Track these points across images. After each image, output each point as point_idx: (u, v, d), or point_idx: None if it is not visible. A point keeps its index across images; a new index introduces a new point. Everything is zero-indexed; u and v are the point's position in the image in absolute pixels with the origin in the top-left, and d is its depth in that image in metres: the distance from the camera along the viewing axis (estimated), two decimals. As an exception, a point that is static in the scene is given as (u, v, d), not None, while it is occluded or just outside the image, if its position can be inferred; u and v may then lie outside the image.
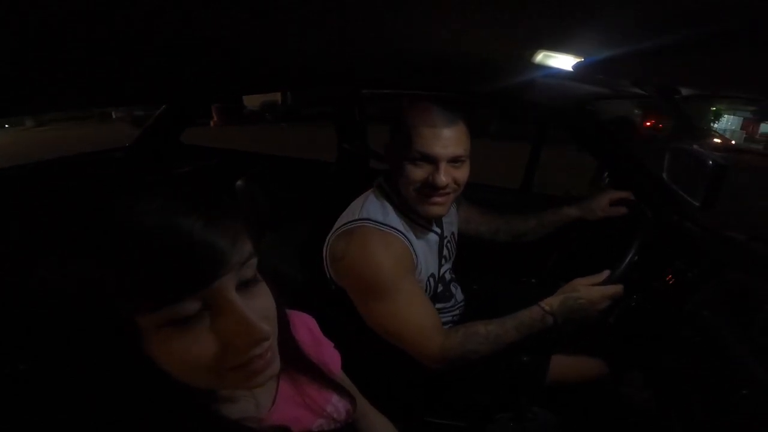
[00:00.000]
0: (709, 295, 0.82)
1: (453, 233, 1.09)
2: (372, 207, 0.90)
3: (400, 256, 0.87)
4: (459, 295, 1.15)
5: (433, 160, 0.83)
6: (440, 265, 1.02)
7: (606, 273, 0.89)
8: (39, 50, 0.50)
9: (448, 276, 1.09)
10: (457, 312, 1.13)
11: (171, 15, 0.45)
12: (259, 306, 0.37)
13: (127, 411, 0.33)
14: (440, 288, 1.04)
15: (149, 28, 0.50)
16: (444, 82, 1.34)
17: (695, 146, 0.90)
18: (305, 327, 0.58)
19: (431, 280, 0.98)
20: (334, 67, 1.02)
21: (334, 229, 0.92)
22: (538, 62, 0.71)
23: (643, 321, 0.96)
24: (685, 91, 0.90)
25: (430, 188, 0.85)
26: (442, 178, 0.83)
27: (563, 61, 0.69)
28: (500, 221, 1.22)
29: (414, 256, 0.90)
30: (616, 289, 0.86)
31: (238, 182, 1.10)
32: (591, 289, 0.86)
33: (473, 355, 0.84)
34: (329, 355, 0.60)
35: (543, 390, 1.01)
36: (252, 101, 11.48)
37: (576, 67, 0.70)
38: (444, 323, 1.06)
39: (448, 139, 0.82)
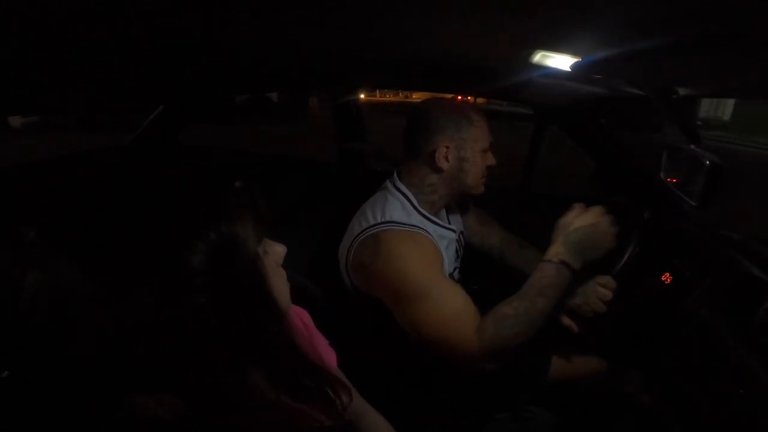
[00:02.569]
0: (707, 295, 0.82)
1: (462, 232, 1.10)
2: (393, 208, 0.90)
3: (431, 254, 0.87)
4: None
5: (488, 147, 0.95)
6: (453, 264, 1.03)
7: (581, 205, 0.87)
8: (36, 51, 0.50)
9: (456, 275, 1.09)
10: None
11: (169, 15, 0.45)
12: (282, 280, 0.44)
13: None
14: None
15: (147, 28, 0.50)
16: (443, 83, 1.34)
17: (692, 146, 0.90)
18: (299, 320, 0.59)
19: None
20: (333, 67, 1.02)
21: (354, 234, 0.91)
22: (535, 62, 0.72)
23: (642, 320, 0.96)
24: (682, 92, 0.91)
25: (487, 170, 0.96)
26: (494, 158, 0.96)
27: (561, 61, 0.70)
28: (515, 247, 1.18)
29: (440, 251, 0.90)
30: (599, 209, 0.85)
31: (236, 183, 1.10)
32: (582, 216, 0.84)
33: (513, 340, 0.81)
34: (324, 351, 0.60)
35: (543, 389, 1.01)
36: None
37: (574, 67, 0.70)
38: None
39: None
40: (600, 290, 0.88)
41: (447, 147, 0.90)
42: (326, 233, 0.99)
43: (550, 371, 1.01)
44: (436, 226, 0.95)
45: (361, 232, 0.89)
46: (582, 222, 0.83)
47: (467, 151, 0.91)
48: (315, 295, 0.96)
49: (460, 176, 0.93)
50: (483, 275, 1.36)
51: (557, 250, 0.82)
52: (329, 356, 0.60)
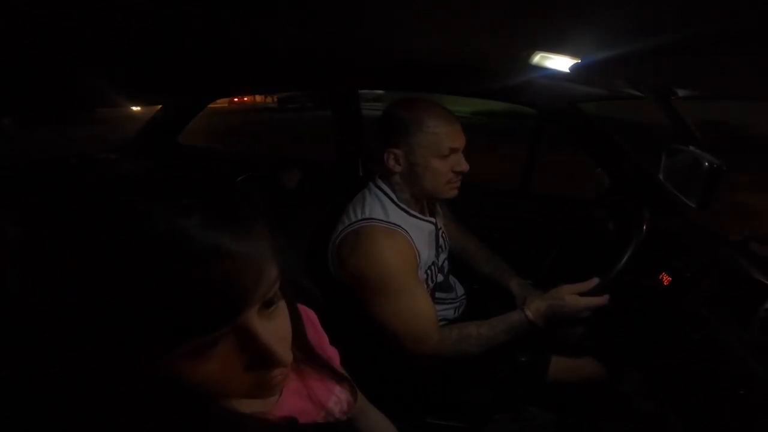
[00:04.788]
0: (706, 295, 0.82)
1: (442, 227, 1.14)
2: (373, 206, 0.95)
3: (405, 254, 0.92)
4: (459, 289, 1.18)
5: (456, 151, 0.95)
6: (438, 254, 1.06)
7: (595, 281, 0.91)
8: (39, 51, 0.50)
9: (446, 267, 1.13)
10: (459, 305, 1.15)
11: (171, 15, 0.45)
12: (278, 327, 0.35)
13: (140, 408, 0.31)
14: (441, 278, 1.08)
15: (148, 29, 0.50)
16: (442, 83, 1.34)
17: (691, 147, 0.90)
18: (308, 321, 0.59)
19: (433, 268, 1.02)
20: (333, 67, 1.02)
21: (338, 230, 0.96)
22: (535, 63, 0.72)
23: (641, 321, 0.97)
24: (681, 92, 0.91)
25: (455, 175, 0.96)
26: (466, 164, 0.96)
27: (560, 63, 0.70)
28: (470, 245, 1.26)
29: (416, 252, 0.95)
30: (601, 300, 0.90)
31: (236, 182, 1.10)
32: (577, 299, 0.90)
33: (464, 354, 0.92)
34: (330, 349, 0.61)
35: (543, 390, 1.01)
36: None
37: (573, 68, 0.71)
38: (446, 317, 1.10)
39: (461, 131, 0.95)
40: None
41: (395, 152, 0.93)
42: (324, 232, 0.99)
43: (549, 372, 1.01)
44: (415, 219, 0.99)
45: (343, 228, 0.94)
46: (571, 304, 0.89)
47: (416, 156, 0.92)
48: (314, 294, 0.96)
49: (415, 180, 0.95)
50: (474, 278, 1.36)
51: (537, 310, 0.91)
52: (334, 354, 0.61)
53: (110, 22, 0.44)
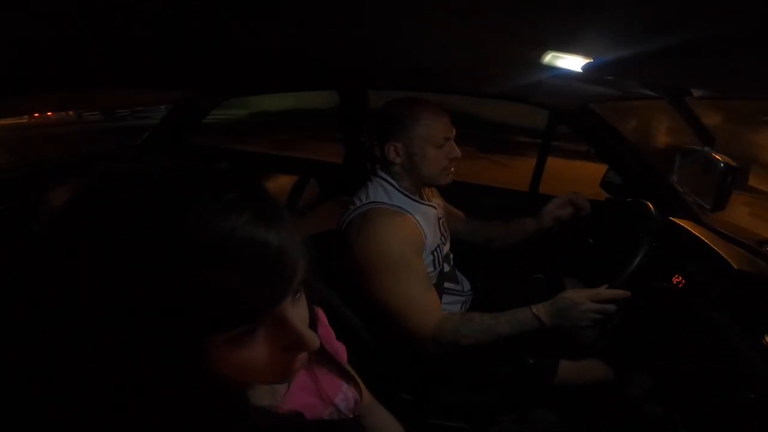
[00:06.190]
0: (718, 298, 0.81)
1: (443, 217, 1.17)
2: (378, 192, 1.02)
3: (410, 235, 0.96)
4: (466, 284, 1.20)
5: (449, 140, 1.03)
6: (442, 242, 1.09)
7: (603, 288, 0.90)
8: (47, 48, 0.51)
9: (452, 258, 1.17)
10: (465, 300, 1.16)
11: (171, 15, 0.45)
12: (303, 313, 0.37)
13: (168, 399, 0.32)
14: (447, 267, 1.11)
15: (148, 29, 0.50)
16: (453, 83, 1.34)
17: (706, 148, 0.89)
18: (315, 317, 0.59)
19: (437, 252, 1.05)
20: (344, 67, 1.03)
21: (345, 215, 1.01)
22: (546, 63, 0.71)
23: (652, 324, 0.95)
24: (696, 93, 0.89)
25: (450, 162, 1.03)
26: (459, 151, 1.04)
27: (572, 62, 0.69)
28: (477, 224, 1.33)
29: (422, 231, 0.99)
30: (606, 307, 0.89)
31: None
32: (584, 302, 0.89)
33: (465, 340, 0.91)
34: (337, 345, 0.61)
35: (550, 392, 1.01)
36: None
37: (585, 68, 0.70)
38: (452, 311, 1.10)
39: (450, 122, 1.03)
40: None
41: (394, 145, 1.01)
42: (332, 232, 1.00)
43: (557, 374, 1.00)
44: (418, 204, 1.05)
45: (350, 213, 1.00)
46: (577, 307, 0.88)
47: (414, 147, 1.00)
48: (325, 293, 0.97)
49: (414, 169, 1.02)
50: (490, 272, 1.36)
51: (543, 306, 0.91)
52: (341, 351, 0.62)
53: (110, 22, 0.44)
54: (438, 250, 1.06)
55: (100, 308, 0.28)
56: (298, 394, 0.48)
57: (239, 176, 0.34)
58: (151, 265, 0.28)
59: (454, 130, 1.04)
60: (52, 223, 0.30)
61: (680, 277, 0.90)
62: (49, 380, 0.30)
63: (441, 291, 1.08)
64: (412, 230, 0.97)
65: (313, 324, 0.48)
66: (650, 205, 1.02)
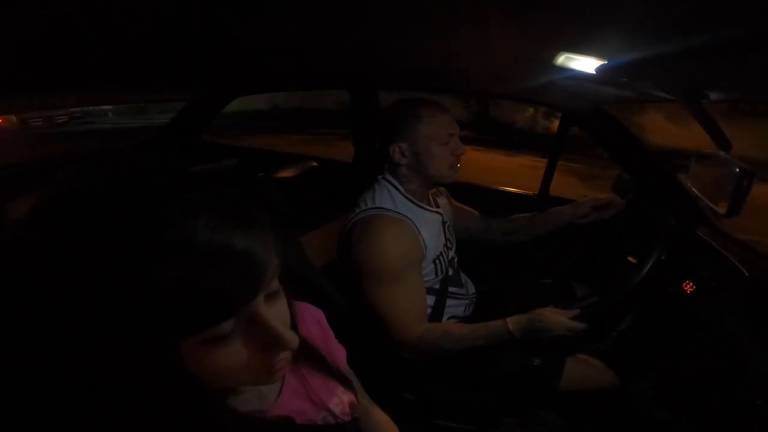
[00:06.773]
0: (730, 304, 0.79)
1: (449, 222, 1.17)
2: (383, 197, 1.02)
3: (408, 244, 0.97)
4: (471, 287, 1.20)
5: (453, 136, 1.03)
6: (447, 248, 1.09)
7: (575, 311, 0.95)
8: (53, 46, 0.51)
9: (456, 262, 1.17)
10: (469, 303, 1.16)
11: (171, 14, 0.46)
12: (281, 312, 0.37)
13: (146, 406, 0.33)
14: (451, 272, 1.11)
15: (148, 29, 0.50)
16: (464, 83, 1.33)
17: (721, 153, 0.87)
18: (314, 319, 0.59)
19: (440, 259, 1.05)
20: (353, 66, 1.03)
21: (349, 218, 1.02)
22: (559, 64, 0.71)
23: (662, 328, 0.94)
24: (713, 96, 0.88)
25: (455, 158, 1.03)
26: (464, 147, 1.04)
27: (586, 64, 0.68)
28: (490, 220, 1.31)
29: (422, 243, 1.00)
30: (576, 324, 0.93)
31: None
32: (556, 319, 0.93)
33: (443, 352, 0.97)
34: (336, 348, 0.60)
35: (555, 395, 1.00)
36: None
37: (599, 70, 0.69)
38: (455, 315, 1.11)
39: (452, 118, 1.04)
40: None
41: (399, 146, 1.01)
42: (335, 227, 1.01)
43: (562, 377, 0.99)
44: (422, 210, 1.05)
45: (354, 216, 1.01)
46: (548, 323, 0.93)
47: (420, 146, 1.00)
48: (332, 294, 0.98)
49: (420, 168, 1.02)
50: (498, 276, 1.35)
51: (517, 322, 0.94)
52: (340, 354, 0.61)
53: (110, 22, 0.45)
54: (441, 256, 1.06)
55: (66, 315, 0.29)
56: (290, 398, 0.48)
57: (206, 179, 0.34)
58: (113, 270, 0.28)
59: (457, 127, 1.04)
60: (16, 232, 0.30)
61: (691, 283, 0.88)
62: (18, 383, 0.30)
63: (445, 295, 1.08)
64: (412, 241, 0.98)
65: (294, 329, 0.48)
66: (664, 210, 1.01)
